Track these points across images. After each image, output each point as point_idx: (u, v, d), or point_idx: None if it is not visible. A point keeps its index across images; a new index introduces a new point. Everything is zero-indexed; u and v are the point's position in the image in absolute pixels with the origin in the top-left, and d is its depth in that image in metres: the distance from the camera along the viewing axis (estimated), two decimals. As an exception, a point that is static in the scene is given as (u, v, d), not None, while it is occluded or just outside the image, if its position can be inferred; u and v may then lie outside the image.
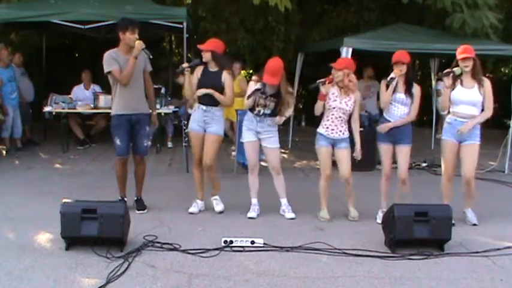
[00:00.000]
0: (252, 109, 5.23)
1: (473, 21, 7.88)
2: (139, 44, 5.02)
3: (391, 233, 4.38)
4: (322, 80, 5.15)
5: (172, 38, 13.71)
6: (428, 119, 10.89)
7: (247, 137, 5.29)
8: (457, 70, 5.03)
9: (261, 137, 5.25)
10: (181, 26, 7.39)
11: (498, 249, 4.43)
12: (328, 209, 5.30)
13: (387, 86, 5.15)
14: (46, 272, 3.79)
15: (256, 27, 10.59)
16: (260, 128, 5.22)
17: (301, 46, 10.20)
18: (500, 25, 8.34)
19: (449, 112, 5.21)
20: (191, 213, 5.37)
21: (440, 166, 8.24)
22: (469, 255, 4.32)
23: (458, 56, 5.02)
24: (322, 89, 5.10)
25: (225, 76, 5.26)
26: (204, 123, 5.30)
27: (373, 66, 9.27)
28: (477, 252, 4.36)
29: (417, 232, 4.31)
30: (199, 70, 5.33)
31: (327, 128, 5.18)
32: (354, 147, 5.26)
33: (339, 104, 5.15)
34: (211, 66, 5.28)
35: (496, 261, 4.20)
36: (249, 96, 5.12)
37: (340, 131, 5.18)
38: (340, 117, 5.17)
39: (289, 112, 5.34)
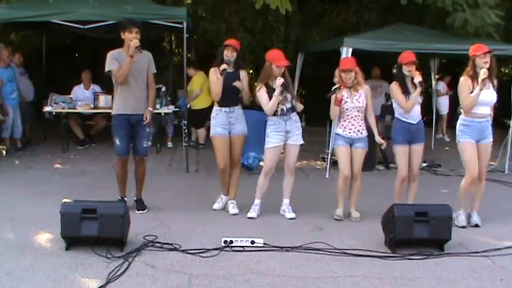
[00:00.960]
0: (274, 113, 5.17)
1: (475, 20, 7.87)
2: (133, 43, 4.99)
3: (391, 233, 4.38)
4: (336, 86, 5.16)
5: (172, 38, 13.71)
6: (428, 119, 10.87)
7: (276, 141, 5.20)
8: (484, 72, 4.85)
9: (290, 136, 5.23)
10: (181, 26, 7.39)
11: (498, 249, 4.43)
12: (344, 208, 5.31)
13: (403, 88, 5.13)
14: (46, 272, 3.79)
15: (256, 27, 10.60)
16: (289, 127, 5.22)
17: (301, 46, 10.19)
18: (502, 22, 8.34)
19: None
20: (214, 209, 5.44)
21: (440, 166, 8.34)
22: (469, 255, 4.32)
23: (477, 53, 4.92)
24: (338, 95, 5.11)
25: (243, 75, 5.32)
26: (229, 125, 5.31)
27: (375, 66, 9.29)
28: (477, 252, 4.36)
29: (417, 232, 4.31)
30: (217, 71, 5.24)
31: (344, 128, 5.22)
32: (375, 141, 5.33)
33: (351, 104, 5.18)
34: (229, 68, 5.26)
35: (496, 261, 4.21)
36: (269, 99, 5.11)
37: (358, 130, 5.21)
38: (356, 116, 5.20)
39: (300, 107, 5.35)
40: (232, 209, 5.41)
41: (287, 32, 10.76)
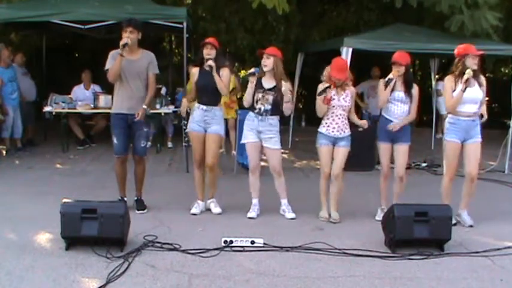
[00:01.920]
0: (252, 108, 5.23)
1: (471, 24, 7.86)
2: (121, 42, 4.98)
3: (391, 233, 4.38)
4: (327, 85, 5.14)
5: (172, 38, 13.72)
6: (428, 119, 10.89)
7: (249, 137, 5.27)
8: (469, 72, 4.89)
9: (262, 137, 5.23)
10: (181, 26, 7.39)
11: (498, 249, 4.43)
12: (328, 209, 5.30)
13: (385, 86, 5.20)
14: (46, 272, 3.79)
15: (255, 27, 10.60)
16: (262, 127, 5.21)
17: (301, 46, 10.19)
18: (500, 24, 8.33)
19: (448, 112, 5.23)
20: (193, 214, 5.35)
21: (440, 166, 8.32)
22: (469, 255, 4.32)
23: (469, 53, 4.95)
24: (328, 94, 5.10)
25: (224, 73, 5.28)
26: (205, 123, 5.30)
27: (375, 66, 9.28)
28: (477, 252, 4.36)
29: (417, 232, 4.31)
30: (196, 72, 5.31)
31: (328, 126, 5.20)
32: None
33: (337, 102, 5.17)
34: (207, 66, 5.25)
35: (496, 261, 4.20)
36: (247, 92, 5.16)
37: (342, 129, 5.19)
38: (340, 114, 5.19)
39: (288, 106, 5.28)
40: (215, 208, 5.40)
41: (287, 32, 10.76)
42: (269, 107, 5.18)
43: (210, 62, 5.16)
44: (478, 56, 4.96)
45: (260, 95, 5.16)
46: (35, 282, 3.64)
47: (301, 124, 12.45)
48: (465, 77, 4.88)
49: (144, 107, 5.23)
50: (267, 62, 5.13)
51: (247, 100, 5.24)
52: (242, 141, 5.37)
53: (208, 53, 5.22)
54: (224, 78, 5.25)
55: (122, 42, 4.97)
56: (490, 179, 7.30)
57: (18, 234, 4.60)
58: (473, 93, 5.00)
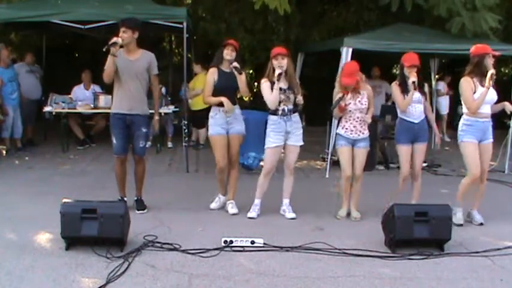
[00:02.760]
0: (275, 111, 5.18)
1: (471, 25, 7.86)
2: (112, 40, 4.97)
3: (391, 233, 4.38)
4: (340, 95, 5.15)
5: (172, 38, 13.71)
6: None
7: (276, 141, 5.19)
8: (492, 72, 4.88)
9: (290, 137, 5.23)
10: (181, 26, 7.39)
11: (498, 249, 4.43)
12: (348, 208, 5.34)
13: (402, 88, 5.20)
14: (46, 272, 3.79)
15: (256, 27, 10.60)
16: (290, 127, 5.21)
17: (301, 46, 10.18)
18: (500, 26, 8.33)
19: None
20: (212, 209, 5.44)
21: (440, 166, 8.33)
22: (469, 255, 4.32)
23: (488, 53, 4.97)
24: (342, 103, 5.13)
25: (241, 75, 5.27)
26: (227, 124, 5.31)
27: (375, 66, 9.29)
28: (477, 252, 4.36)
29: (417, 232, 4.31)
30: (215, 73, 5.29)
31: (346, 129, 5.23)
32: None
33: (354, 106, 5.20)
34: (225, 67, 5.27)
35: (496, 261, 4.21)
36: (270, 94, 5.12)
37: (360, 131, 5.22)
38: (357, 117, 5.22)
39: (301, 101, 5.32)
40: (232, 208, 5.41)
41: (287, 32, 10.75)
42: (291, 106, 5.19)
43: (235, 64, 5.16)
44: (495, 56, 5.00)
45: (282, 96, 5.14)
46: (35, 282, 3.64)
47: (302, 124, 12.42)
48: (490, 77, 4.85)
49: (157, 118, 5.49)
50: (283, 63, 5.12)
51: (274, 102, 5.13)
52: (269, 146, 5.22)
53: (230, 54, 5.22)
54: (243, 80, 5.27)
55: (110, 41, 4.96)
56: (490, 179, 7.25)
57: (18, 234, 4.61)
58: (491, 95, 5.02)
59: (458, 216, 5.07)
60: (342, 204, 5.37)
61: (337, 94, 5.24)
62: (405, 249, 4.34)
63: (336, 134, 5.37)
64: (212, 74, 5.31)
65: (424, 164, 8.27)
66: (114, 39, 4.97)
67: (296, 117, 5.29)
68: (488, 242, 4.62)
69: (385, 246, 4.47)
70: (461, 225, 5.04)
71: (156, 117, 5.55)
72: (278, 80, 5.05)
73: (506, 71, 13.81)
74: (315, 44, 10.36)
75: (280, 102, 5.15)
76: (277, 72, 5.04)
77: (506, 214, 5.62)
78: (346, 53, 7.23)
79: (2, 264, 3.90)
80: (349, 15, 11.29)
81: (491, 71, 4.89)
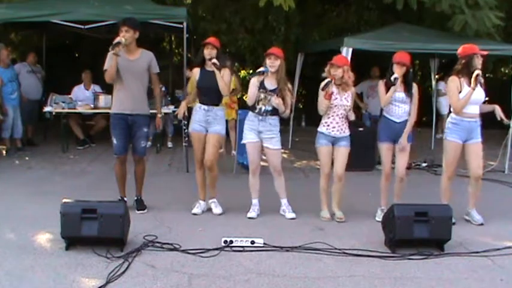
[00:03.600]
0: (253, 108, 5.23)
1: (474, 23, 7.85)
2: (114, 40, 4.98)
3: (391, 233, 4.38)
4: (329, 79, 5.13)
5: (172, 38, 13.70)
6: (428, 119, 10.88)
7: (249, 137, 5.26)
8: (478, 72, 4.90)
9: (263, 137, 5.23)
10: (181, 26, 7.38)
11: (498, 249, 4.43)
12: (329, 209, 5.30)
13: (387, 85, 5.20)
14: (46, 272, 3.79)
15: (256, 27, 10.59)
16: (262, 128, 5.21)
17: (301, 46, 10.19)
18: (502, 24, 8.32)
19: (449, 112, 5.25)
20: (195, 214, 5.35)
21: (440, 166, 8.31)
22: (469, 255, 4.32)
23: (476, 53, 4.97)
24: (329, 89, 5.10)
25: (224, 72, 5.26)
26: (206, 123, 5.30)
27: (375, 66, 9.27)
28: (477, 252, 4.36)
29: (417, 232, 4.31)
30: (197, 72, 5.32)
31: (328, 126, 5.20)
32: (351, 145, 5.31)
33: (339, 101, 5.17)
34: (208, 66, 5.26)
35: (496, 261, 4.21)
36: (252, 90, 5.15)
37: (341, 129, 5.19)
38: (341, 114, 5.19)
39: (287, 111, 5.28)
40: (216, 208, 5.40)
41: (287, 32, 10.75)
42: (270, 108, 5.18)
43: (214, 60, 5.16)
44: (483, 56, 4.99)
45: (262, 96, 5.16)
46: (35, 282, 3.64)
47: (301, 124, 12.44)
48: (474, 75, 4.87)
49: (159, 116, 5.50)
50: (276, 64, 5.13)
51: (251, 99, 5.19)
52: (243, 142, 5.36)
53: (209, 53, 5.22)
54: (225, 78, 5.24)
55: (114, 41, 4.96)
56: (490, 179, 7.29)
57: (18, 234, 4.61)
58: (478, 95, 5.02)
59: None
60: (322, 205, 5.32)
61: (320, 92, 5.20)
62: (405, 249, 4.34)
63: (318, 132, 5.27)
64: (195, 74, 5.35)
65: (424, 164, 8.29)
66: (118, 38, 4.98)
67: (273, 120, 5.22)
68: (488, 242, 4.62)
69: (385, 246, 4.46)
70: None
71: (159, 115, 5.56)
72: (253, 75, 5.11)
73: (506, 71, 13.79)
74: (315, 44, 10.37)
75: (259, 101, 5.16)
76: (260, 69, 5.12)
77: (506, 214, 5.62)
78: (346, 53, 7.22)
79: (2, 264, 3.90)
80: (349, 15, 11.29)
81: (477, 72, 4.89)
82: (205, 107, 5.29)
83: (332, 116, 5.19)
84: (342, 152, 5.20)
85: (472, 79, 4.90)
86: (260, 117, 5.19)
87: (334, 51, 7.45)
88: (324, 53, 9.07)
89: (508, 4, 9.29)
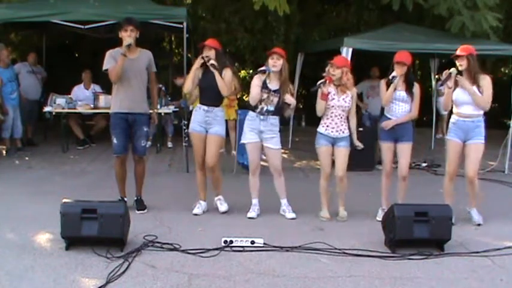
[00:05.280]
0: (254, 108, 5.22)
1: (472, 25, 7.86)
2: (125, 42, 4.99)
3: (391, 233, 4.38)
4: (322, 80, 5.15)
5: (172, 38, 13.70)
6: (428, 119, 10.88)
7: (250, 137, 5.26)
8: (453, 70, 5.05)
9: (264, 137, 5.23)
10: (181, 26, 7.39)
11: (498, 249, 4.43)
12: (329, 209, 5.30)
13: (388, 85, 5.22)
14: (46, 272, 3.79)
15: (256, 27, 10.59)
16: (263, 127, 5.21)
17: (301, 46, 10.19)
18: (500, 25, 8.33)
19: (451, 112, 5.27)
20: (195, 214, 5.35)
21: (440, 166, 8.33)
22: (469, 255, 4.32)
23: (453, 56, 5.09)
24: (324, 89, 5.10)
25: (225, 72, 5.25)
26: (206, 124, 5.30)
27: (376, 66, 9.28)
28: (477, 252, 4.36)
29: (417, 232, 4.31)
30: (200, 71, 5.31)
31: (327, 126, 5.19)
32: (353, 143, 5.31)
33: (337, 102, 5.16)
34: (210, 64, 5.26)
35: (496, 261, 4.21)
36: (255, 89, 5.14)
37: (341, 130, 5.19)
38: (339, 114, 5.18)
39: (289, 112, 5.30)
40: (221, 205, 5.41)
41: (287, 32, 10.73)
42: (272, 108, 5.19)
43: (212, 61, 5.16)
44: (459, 57, 5.03)
45: (265, 96, 5.16)
46: (35, 282, 3.64)
47: (301, 124, 12.44)
48: (443, 76, 5.09)
49: (155, 111, 5.53)
50: (278, 63, 5.13)
51: (254, 99, 5.18)
52: (242, 141, 5.36)
53: (207, 54, 5.21)
54: (226, 78, 5.23)
55: (125, 43, 4.98)
56: (490, 179, 7.30)
57: (18, 234, 4.61)
58: (464, 95, 5.04)
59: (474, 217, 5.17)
60: (322, 206, 5.32)
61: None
62: (405, 249, 4.34)
63: (317, 132, 5.28)
64: (199, 70, 5.28)
65: (424, 164, 8.29)
66: (129, 40, 4.99)
67: (274, 119, 5.24)
68: (488, 242, 4.62)
69: (385, 246, 4.46)
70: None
71: (155, 110, 5.59)
72: (256, 74, 5.11)
73: (506, 71, 13.79)
74: (315, 44, 10.36)
75: (261, 101, 5.16)
76: (262, 68, 5.12)
77: (506, 214, 5.62)
78: (346, 53, 7.23)
79: (2, 264, 3.90)
80: (349, 15, 11.29)
81: (449, 70, 5.00)
82: (205, 107, 5.29)
83: (330, 116, 5.19)
84: (342, 152, 5.20)
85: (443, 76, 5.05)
86: (262, 117, 5.19)
87: (334, 51, 7.46)
88: (324, 53, 9.10)
89: (508, 4, 9.29)
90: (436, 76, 10.45)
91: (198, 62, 5.21)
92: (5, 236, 4.58)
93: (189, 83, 5.26)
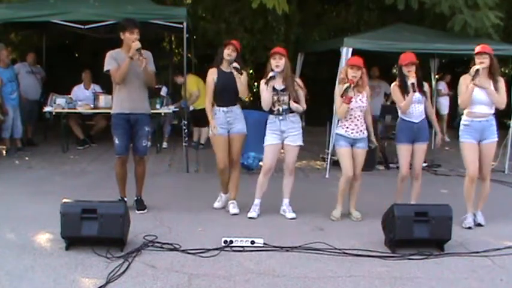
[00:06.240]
0: (271, 111, 5.23)
1: (474, 22, 7.86)
2: (134, 45, 4.98)
3: (391, 233, 4.38)
4: (347, 84, 5.11)
5: (172, 38, 13.71)
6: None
7: (271, 139, 5.24)
8: (479, 67, 4.94)
9: (286, 135, 5.24)
10: (181, 26, 7.39)
11: (498, 249, 4.43)
12: (342, 209, 5.32)
13: (402, 90, 5.22)
14: (46, 272, 3.79)
15: (256, 27, 10.60)
16: (284, 127, 5.22)
17: (301, 46, 10.19)
18: (501, 23, 8.33)
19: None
20: (215, 208, 5.46)
21: (440, 166, 8.33)
22: (469, 255, 4.32)
23: (475, 51, 5.02)
24: (349, 93, 5.10)
25: (242, 76, 5.24)
26: (228, 124, 5.31)
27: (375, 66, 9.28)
28: (477, 252, 4.36)
29: (417, 232, 4.31)
30: (214, 73, 5.30)
31: (347, 128, 5.22)
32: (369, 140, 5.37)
33: (355, 104, 5.19)
34: (225, 67, 5.28)
35: (496, 261, 4.21)
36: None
37: (360, 130, 5.23)
38: (358, 116, 5.22)
39: (303, 106, 5.30)
40: (233, 208, 5.41)
41: (287, 32, 10.76)
42: (286, 106, 5.20)
43: (235, 64, 5.17)
44: (482, 54, 4.97)
45: (275, 98, 5.17)
46: (35, 282, 3.64)
47: (301, 125, 12.42)
48: (471, 73, 4.94)
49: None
50: (280, 63, 5.13)
51: (267, 104, 5.19)
52: (265, 144, 5.29)
53: (230, 54, 5.22)
54: (243, 81, 5.26)
55: (135, 47, 4.94)
56: (490, 179, 7.26)
57: (18, 234, 4.60)
58: (484, 95, 5.01)
59: (467, 221, 5.09)
60: (337, 205, 5.33)
61: (338, 95, 5.21)
62: (405, 249, 4.34)
63: (336, 134, 5.34)
64: (211, 74, 5.32)
65: (424, 164, 8.25)
66: (138, 44, 4.98)
67: (294, 117, 5.28)
68: (488, 242, 4.62)
69: (385, 246, 4.47)
70: (470, 228, 5.03)
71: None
72: (267, 82, 5.12)
73: (506, 71, 13.79)
74: (315, 44, 10.37)
75: (274, 103, 5.18)
76: (270, 74, 5.12)
77: (506, 214, 5.62)
78: (346, 53, 7.22)
79: (2, 264, 3.90)
80: (349, 15, 11.30)
81: (472, 68, 4.95)
82: (224, 108, 5.29)
83: (350, 118, 5.21)
84: (360, 153, 5.25)
85: (471, 76, 4.94)
86: (281, 117, 5.21)
87: (334, 51, 7.47)
88: (324, 53, 9.11)
89: (508, 4, 9.29)
90: (436, 76, 10.46)
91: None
92: (5, 236, 4.58)
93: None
